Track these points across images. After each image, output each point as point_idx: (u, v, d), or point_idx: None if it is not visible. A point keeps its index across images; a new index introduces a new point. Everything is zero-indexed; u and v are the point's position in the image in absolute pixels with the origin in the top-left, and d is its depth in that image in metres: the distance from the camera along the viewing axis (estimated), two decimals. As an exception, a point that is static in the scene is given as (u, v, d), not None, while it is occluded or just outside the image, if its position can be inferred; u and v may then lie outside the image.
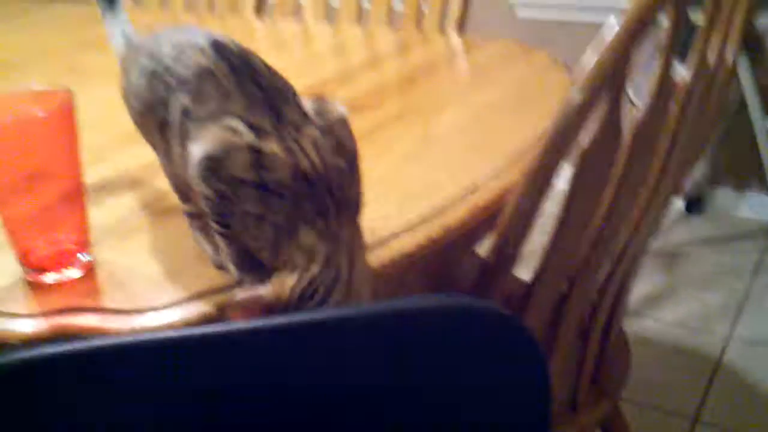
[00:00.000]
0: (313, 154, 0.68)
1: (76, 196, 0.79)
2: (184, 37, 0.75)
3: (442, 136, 1.05)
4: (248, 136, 0.67)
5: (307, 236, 0.67)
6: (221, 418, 0.53)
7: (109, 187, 0.96)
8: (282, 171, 0.67)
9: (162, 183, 0.96)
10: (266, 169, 0.67)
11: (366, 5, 1.76)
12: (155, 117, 0.76)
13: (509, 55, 1.38)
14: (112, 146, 1.09)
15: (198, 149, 0.69)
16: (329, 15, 1.83)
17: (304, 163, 0.67)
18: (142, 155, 1.05)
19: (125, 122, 1.17)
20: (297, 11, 1.86)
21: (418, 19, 1.70)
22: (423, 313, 0.49)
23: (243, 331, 0.53)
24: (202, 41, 0.73)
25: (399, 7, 1.72)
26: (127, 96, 0.82)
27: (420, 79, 1.28)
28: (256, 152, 0.67)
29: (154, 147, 0.82)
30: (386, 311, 0.51)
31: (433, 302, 0.49)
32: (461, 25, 1.63)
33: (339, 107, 0.73)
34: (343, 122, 0.72)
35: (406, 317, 0.50)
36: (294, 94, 0.73)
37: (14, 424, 0.52)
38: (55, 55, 1.60)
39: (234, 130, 0.68)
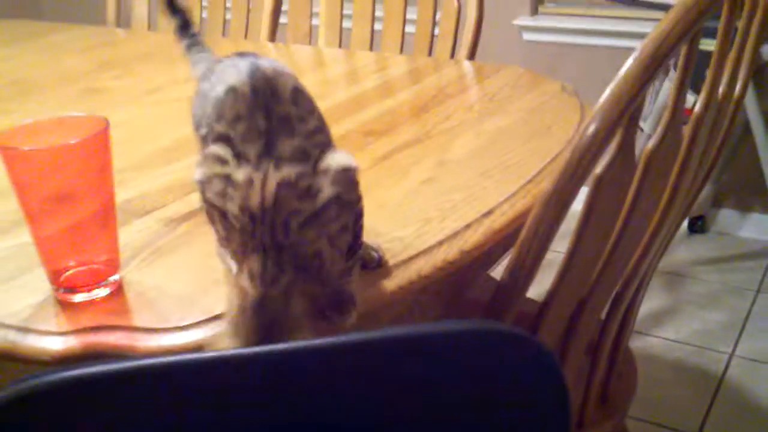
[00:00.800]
0: (268, 192, 0.68)
1: (107, 217, 0.81)
2: (234, 61, 0.77)
3: (456, 161, 1.08)
4: (229, 166, 0.70)
5: (242, 278, 0.68)
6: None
7: (132, 209, 0.99)
8: (235, 201, 0.69)
9: (185, 204, 0.99)
10: (228, 197, 0.69)
11: (378, 27, 1.80)
12: (199, 134, 0.79)
13: (520, 82, 1.41)
14: (133, 169, 1.12)
15: (195, 172, 0.73)
16: (341, 40, 1.86)
17: (253, 199, 0.68)
18: (163, 178, 1.09)
19: (143, 145, 1.21)
20: (310, 36, 1.90)
21: (430, 45, 1.74)
22: (450, 336, 0.52)
23: (275, 352, 0.55)
24: (243, 63, 0.74)
25: (411, 29, 1.75)
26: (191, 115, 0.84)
27: (432, 105, 1.31)
28: (227, 181, 0.70)
29: None
30: (413, 334, 0.54)
31: (461, 326, 0.51)
32: (473, 52, 1.66)
33: (343, 158, 0.72)
34: (339, 173, 0.71)
35: (434, 340, 0.52)
36: (314, 128, 0.73)
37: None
38: (73, 77, 1.63)
39: (222, 159, 0.71)
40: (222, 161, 0.71)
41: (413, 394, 0.54)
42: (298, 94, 0.75)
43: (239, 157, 0.70)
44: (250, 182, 0.69)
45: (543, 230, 0.80)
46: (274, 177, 0.69)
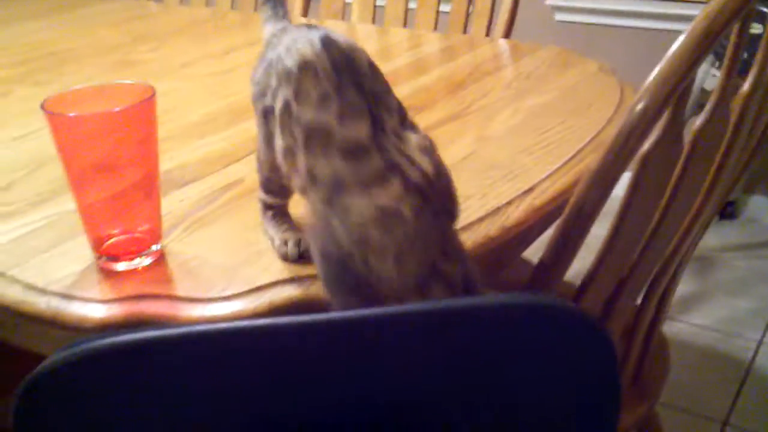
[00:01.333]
0: (425, 161, 0.66)
1: (150, 187, 0.81)
2: (303, 32, 0.74)
3: (495, 137, 1.07)
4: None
5: (446, 264, 0.65)
6: (298, 409, 0.55)
7: (172, 180, 0.99)
8: (391, 188, 0.65)
9: (224, 176, 0.99)
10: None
11: (412, 6, 1.79)
12: (262, 103, 0.77)
13: (556, 60, 1.40)
14: (171, 140, 1.12)
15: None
16: (375, 17, 1.85)
17: (414, 174, 0.65)
18: (200, 149, 1.09)
19: (180, 117, 1.21)
20: (343, 13, 1.89)
21: (465, 23, 1.73)
22: (502, 308, 0.51)
23: (312, 323, 0.55)
24: (314, 34, 0.72)
25: (445, 8, 1.74)
26: (251, 81, 0.82)
27: (469, 82, 1.31)
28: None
29: (258, 131, 0.81)
30: (464, 306, 0.53)
31: (513, 299, 0.51)
32: (508, 31, 1.65)
33: (422, 134, 0.71)
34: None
35: (486, 312, 0.52)
36: (394, 98, 0.72)
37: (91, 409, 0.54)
38: (108, 49, 1.63)
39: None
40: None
41: (463, 367, 0.54)
42: (376, 69, 0.73)
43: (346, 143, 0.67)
44: (392, 163, 0.66)
45: (587, 208, 0.79)
46: (412, 146, 0.68)
